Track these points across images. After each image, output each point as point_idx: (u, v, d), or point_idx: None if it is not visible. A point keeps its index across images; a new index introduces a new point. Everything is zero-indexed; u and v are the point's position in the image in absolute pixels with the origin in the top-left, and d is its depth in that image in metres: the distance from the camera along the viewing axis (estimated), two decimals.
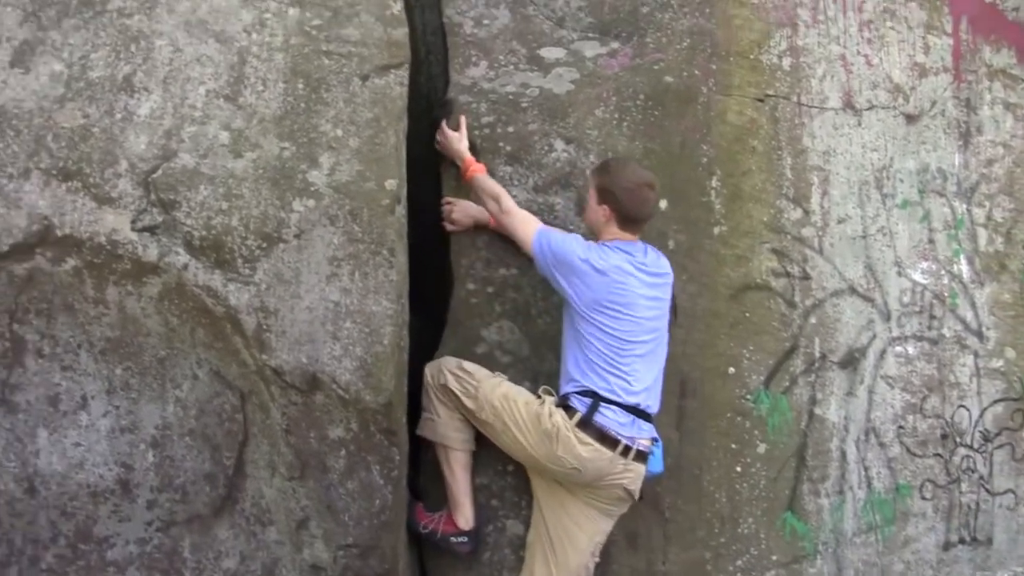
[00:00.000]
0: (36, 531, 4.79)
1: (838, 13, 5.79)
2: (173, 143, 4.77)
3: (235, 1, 4.93)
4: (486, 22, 5.57)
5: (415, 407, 5.17)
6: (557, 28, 5.59)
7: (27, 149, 4.71)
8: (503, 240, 5.25)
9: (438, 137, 5.33)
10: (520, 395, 4.98)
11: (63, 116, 4.75)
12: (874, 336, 5.67)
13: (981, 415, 5.89)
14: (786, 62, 5.66)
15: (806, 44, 5.72)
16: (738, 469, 5.38)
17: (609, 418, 4.80)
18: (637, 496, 4.97)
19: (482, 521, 5.20)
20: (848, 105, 5.75)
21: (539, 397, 4.95)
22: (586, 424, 4.78)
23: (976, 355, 5.91)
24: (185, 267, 4.73)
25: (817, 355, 5.54)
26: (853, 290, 5.64)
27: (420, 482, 5.31)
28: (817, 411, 5.51)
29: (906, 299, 5.76)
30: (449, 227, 5.33)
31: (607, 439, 4.79)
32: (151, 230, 4.73)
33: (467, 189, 5.24)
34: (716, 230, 5.43)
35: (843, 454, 5.55)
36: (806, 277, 5.55)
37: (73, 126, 4.74)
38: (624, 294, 4.82)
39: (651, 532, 5.31)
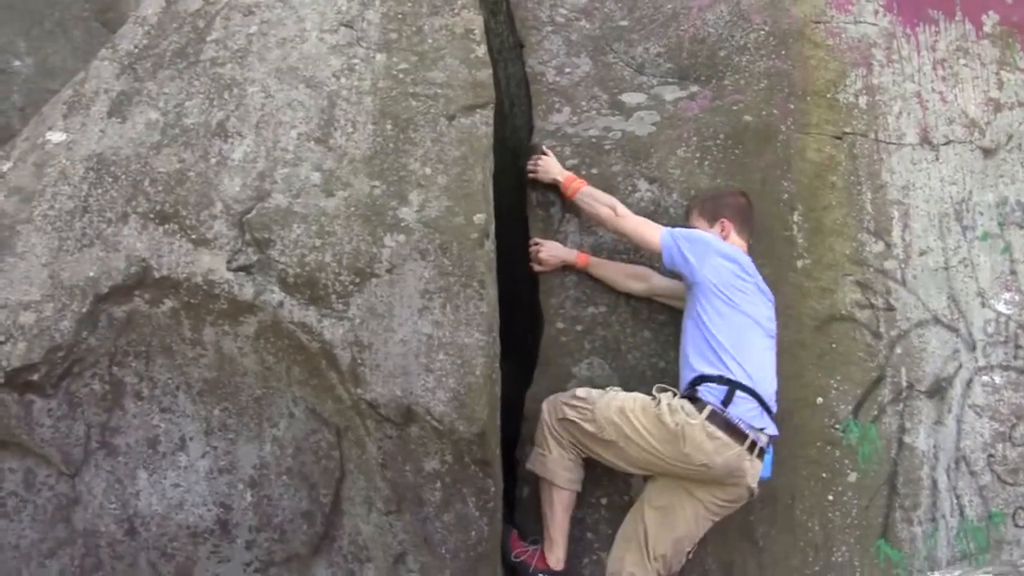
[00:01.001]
0: (136, 573, 4.84)
1: (912, 52, 5.91)
2: (266, 184, 4.92)
3: (324, 48, 5.12)
4: (568, 70, 5.74)
5: (506, 441, 5.22)
6: (637, 74, 5.75)
7: (125, 194, 4.88)
8: (590, 279, 5.42)
9: (530, 168, 5.47)
10: (636, 402, 5.01)
11: (159, 161, 4.92)
12: (960, 366, 5.67)
13: None
14: (862, 100, 5.78)
15: (881, 83, 5.84)
16: (830, 498, 5.38)
17: (740, 407, 4.87)
18: (755, 494, 5.05)
19: (574, 560, 5.23)
20: (925, 140, 5.84)
21: (653, 397, 5.00)
22: (716, 416, 4.85)
23: None
24: (280, 304, 4.83)
25: (904, 385, 5.55)
26: (937, 320, 5.67)
27: (515, 516, 5.35)
28: (906, 440, 5.51)
29: (990, 329, 5.77)
30: (537, 268, 5.44)
31: (736, 432, 4.85)
32: (246, 269, 4.84)
33: (554, 227, 5.41)
34: (799, 263, 5.52)
35: (934, 482, 5.54)
36: (890, 308, 5.59)
37: (169, 171, 4.91)
38: (750, 287, 5.00)
39: (746, 562, 5.32)
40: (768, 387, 5.02)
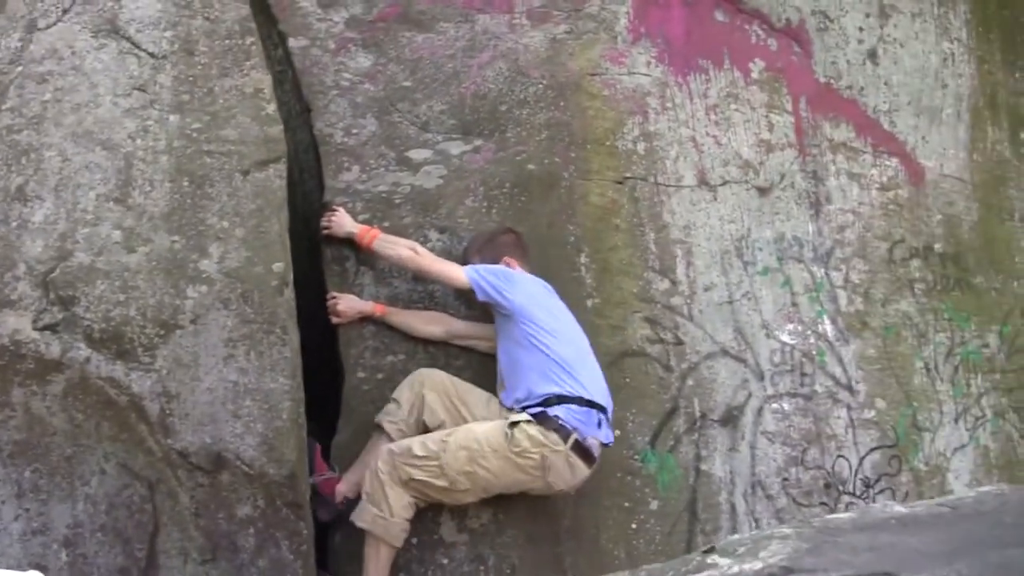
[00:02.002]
0: None
1: (685, 100, 7.30)
2: (68, 244, 5.92)
3: (118, 112, 6.14)
4: (355, 131, 6.88)
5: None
6: (423, 132, 6.92)
7: None
8: (388, 329, 6.54)
9: (324, 224, 6.56)
10: (484, 444, 5.96)
11: None
12: (750, 395, 7.02)
13: (860, 463, 7.23)
14: (640, 146, 7.13)
15: (658, 129, 7.19)
16: (633, 526, 6.58)
17: (602, 431, 6.11)
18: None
19: None
20: (702, 182, 7.23)
21: (506, 434, 5.96)
22: (578, 445, 6.01)
23: (849, 408, 7.28)
24: (87, 360, 5.83)
25: (698, 414, 6.84)
26: (725, 352, 7.00)
27: (328, 561, 6.36)
28: (703, 467, 6.77)
29: (776, 359, 7.15)
30: (336, 320, 6.52)
31: (588, 456, 6.05)
32: (52, 328, 5.83)
33: (350, 280, 6.62)
34: (589, 302, 6.78)
35: (732, 507, 6.80)
36: (679, 342, 6.90)
37: None
38: (559, 303, 6.32)
39: None
40: (607, 394, 6.21)
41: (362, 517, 6.02)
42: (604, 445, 6.21)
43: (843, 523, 4.67)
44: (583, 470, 6.07)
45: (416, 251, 6.36)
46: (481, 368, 6.55)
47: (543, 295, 6.29)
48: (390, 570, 6.06)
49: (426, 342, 6.62)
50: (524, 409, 6.05)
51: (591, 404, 6.07)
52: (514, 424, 5.98)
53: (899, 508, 4.95)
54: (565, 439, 5.97)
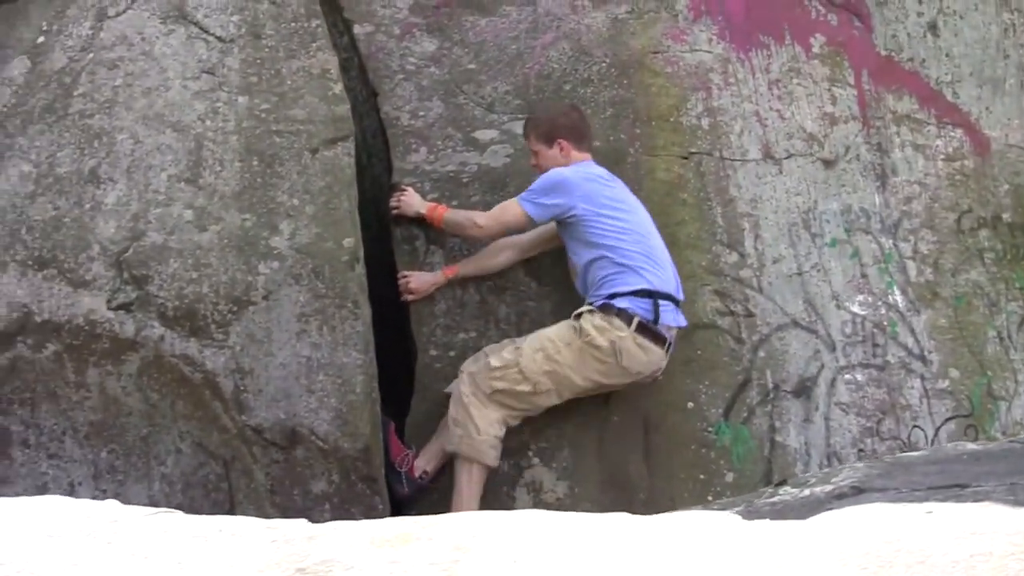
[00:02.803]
0: None
1: (747, 75, 7.20)
2: (141, 224, 5.95)
3: (188, 95, 6.20)
4: (422, 113, 6.87)
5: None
6: (488, 113, 6.90)
7: (2, 243, 5.89)
8: (459, 306, 6.52)
9: (393, 203, 6.56)
10: (557, 341, 6.08)
11: (35, 210, 5.94)
12: (822, 366, 6.88)
13: (936, 433, 7.07)
14: (705, 122, 7.03)
15: (721, 104, 7.09)
16: (709, 498, 6.38)
17: (665, 315, 6.09)
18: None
19: None
20: (768, 156, 7.12)
21: (574, 327, 6.08)
22: (643, 327, 6.06)
23: (923, 378, 7.13)
24: (161, 339, 5.85)
25: (771, 386, 6.71)
26: (796, 324, 6.88)
27: None
28: (778, 439, 6.66)
29: (848, 330, 7.02)
30: (409, 298, 6.50)
31: (659, 338, 6.08)
32: (126, 307, 5.86)
33: (420, 259, 6.60)
34: None
35: None
36: (750, 314, 6.78)
37: (45, 218, 5.93)
38: (619, 194, 6.29)
39: None
40: (675, 283, 6.25)
41: (450, 441, 6.10)
42: (678, 329, 6.30)
43: (915, 459, 4.67)
44: (656, 352, 6.14)
45: (477, 220, 6.39)
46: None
47: (602, 189, 6.27)
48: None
49: (496, 320, 6.60)
50: (590, 302, 6.15)
51: (657, 294, 6.13)
52: (579, 315, 6.09)
53: (971, 445, 4.90)
54: (628, 323, 6.02)
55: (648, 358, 6.11)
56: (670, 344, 6.21)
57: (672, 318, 6.19)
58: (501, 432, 6.09)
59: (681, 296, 6.33)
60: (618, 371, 6.10)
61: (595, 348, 6.03)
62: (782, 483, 4.44)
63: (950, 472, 4.13)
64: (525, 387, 6.05)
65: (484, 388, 6.04)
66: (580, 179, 6.23)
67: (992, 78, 8.02)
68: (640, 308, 6.07)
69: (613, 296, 6.08)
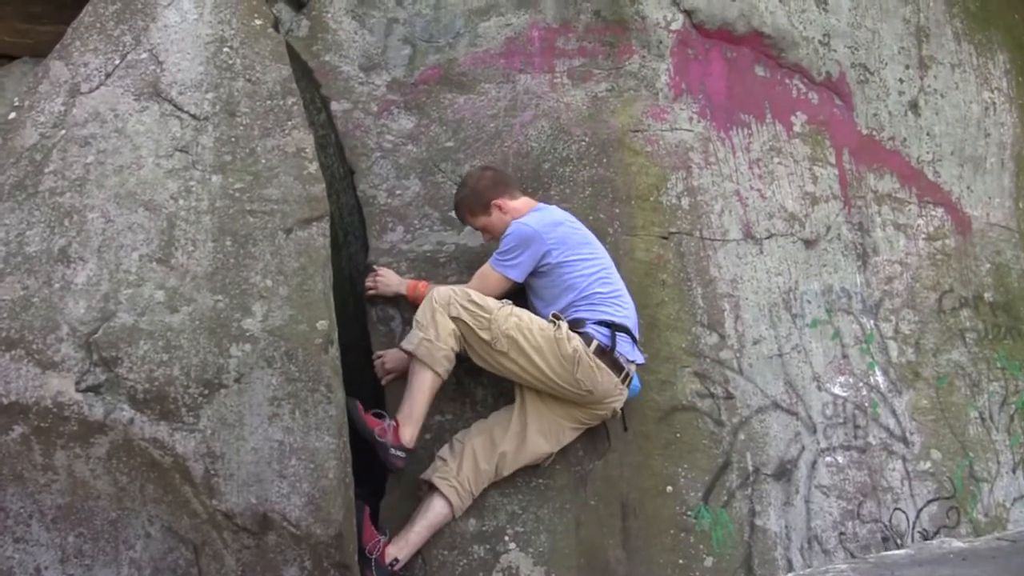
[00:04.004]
0: None
1: (728, 154, 7.04)
2: (111, 305, 5.69)
3: (160, 173, 5.98)
4: (399, 192, 6.74)
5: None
6: None
7: None
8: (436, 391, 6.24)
9: (369, 284, 6.40)
10: (532, 321, 6.01)
11: (3, 289, 5.67)
12: (803, 448, 6.66)
13: (918, 516, 6.86)
14: (685, 201, 6.84)
15: (701, 184, 6.91)
16: None
17: (621, 346, 5.98)
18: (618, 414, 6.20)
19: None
20: (748, 235, 6.93)
21: (552, 322, 6.01)
22: (601, 352, 5.93)
23: (904, 459, 6.93)
24: (131, 421, 5.56)
25: (751, 469, 6.49)
26: (777, 406, 6.68)
27: None
28: (758, 522, 6.43)
29: (829, 411, 6.82)
30: (387, 378, 6.35)
31: (616, 366, 5.96)
32: (95, 389, 5.58)
33: (396, 339, 6.38)
34: None
35: (789, 562, 6.45)
36: (730, 396, 6.57)
37: (13, 297, 5.65)
38: (584, 234, 6.22)
39: None
40: (634, 318, 6.18)
41: (409, 340, 6.02)
42: (636, 364, 6.24)
43: (900, 559, 4.46)
44: (609, 376, 6.05)
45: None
46: None
47: (572, 234, 6.24)
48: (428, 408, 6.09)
49: (474, 400, 6.44)
50: None
51: (615, 326, 6.09)
52: (556, 316, 6.08)
53: (957, 543, 4.71)
54: (588, 343, 5.98)
55: (601, 378, 6.00)
56: (628, 376, 6.14)
57: (628, 350, 6.13)
58: (456, 347, 6.01)
59: (637, 334, 6.27)
60: (571, 380, 5.98)
61: (561, 348, 5.95)
62: None
63: None
64: (484, 335, 5.97)
65: (452, 309, 5.97)
66: (546, 225, 6.17)
67: (973, 157, 7.92)
68: (599, 334, 6.03)
69: (577, 322, 6.06)
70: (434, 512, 6.05)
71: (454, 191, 6.59)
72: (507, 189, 6.37)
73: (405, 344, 6.03)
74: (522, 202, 6.36)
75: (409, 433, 5.99)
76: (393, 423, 6.00)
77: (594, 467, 6.34)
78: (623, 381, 6.10)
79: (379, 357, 6.39)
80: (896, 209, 7.52)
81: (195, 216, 6.00)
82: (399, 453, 5.97)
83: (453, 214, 6.64)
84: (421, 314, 6.02)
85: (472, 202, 6.34)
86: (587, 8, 7.14)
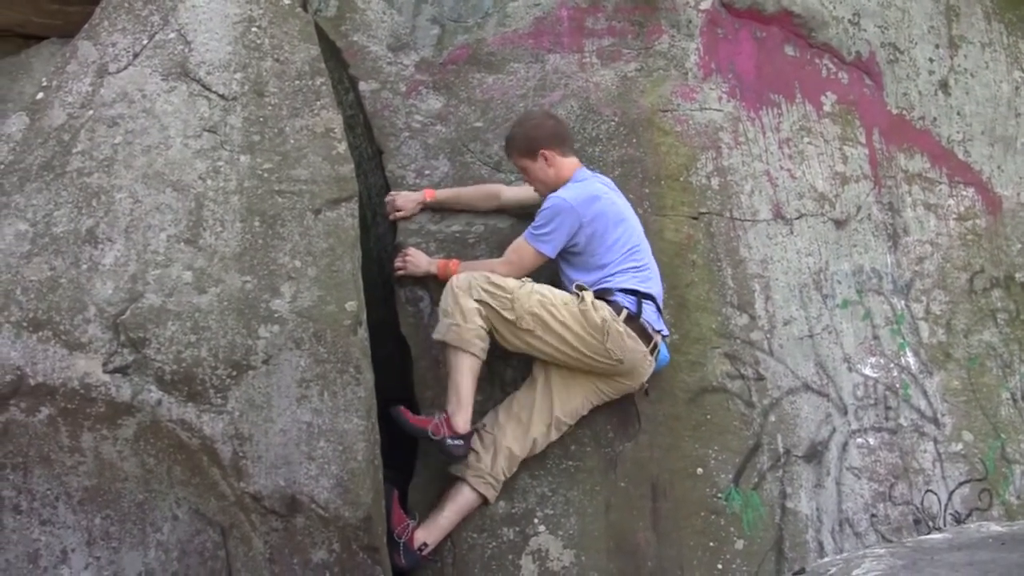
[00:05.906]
0: None
1: (758, 134, 6.81)
2: (139, 286, 5.49)
3: (188, 153, 5.78)
4: (427, 172, 6.53)
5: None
6: (495, 172, 6.54)
7: None
8: None
9: (398, 264, 6.20)
10: (556, 296, 5.81)
11: (30, 270, 5.48)
12: (834, 430, 6.43)
13: (949, 498, 6.62)
14: (714, 181, 6.62)
15: (731, 164, 6.68)
16: (719, 566, 6.01)
17: (647, 313, 5.80)
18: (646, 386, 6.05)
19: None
20: (778, 215, 6.70)
21: (576, 294, 5.83)
22: (631, 319, 5.74)
23: (935, 441, 6.69)
24: (159, 403, 5.37)
25: (781, 451, 6.26)
26: (807, 387, 6.44)
27: None
28: (789, 505, 6.20)
29: (860, 393, 6.58)
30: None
31: (644, 334, 5.78)
32: (123, 370, 5.39)
33: (424, 320, 6.21)
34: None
35: (820, 545, 6.22)
36: (760, 378, 6.34)
37: (41, 279, 5.46)
38: (619, 207, 6.01)
39: None
40: (660, 289, 6.00)
41: (438, 330, 5.87)
42: (662, 335, 6.08)
43: (938, 543, 4.23)
44: (640, 347, 5.88)
45: (497, 269, 6.04)
46: None
47: (607, 208, 6.03)
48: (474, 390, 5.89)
49: (502, 386, 6.19)
50: None
51: (640, 294, 5.94)
52: (580, 288, 5.90)
53: (996, 527, 4.47)
54: (618, 312, 5.82)
55: (632, 346, 5.81)
56: (656, 346, 5.95)
57: (654, 319, 5.95)
58: (484, 324, 5.80)
59: (661, 304, 6.11)
60: (601, 351, 5.79)
61: (588, 317, 5.77)
62: (800, 572, 3.98)
63: (979, 565, 3.68)
64: (508, 315, 5.77)
65: (474, 292, 5.78)
66: (583, 201, 5.94)
67: (1004, 136, 7.62)
68: (626, 302, 5.87)
69: (604, 291, 5.91)
70: (465, 499, 5.89)
71: (483, 171, 6.51)
72: (561, 144, 6.14)
73: (435, 335, 5.86)
74: (570, 161, 6.14)
75: (462, 420, 5.77)
76: (444, 415, 5.77)
77: (624, 449, 6.12)
78: (651, 351, 5.90)
79: (391, 197, 6.51)
80: (926, 189, 7.26)
81: (223, 196, 5.80)
82: (456, 443, 5.76)
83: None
84: (444, 302, 5.85)
85: (523, 144, 6.11)
86: None
